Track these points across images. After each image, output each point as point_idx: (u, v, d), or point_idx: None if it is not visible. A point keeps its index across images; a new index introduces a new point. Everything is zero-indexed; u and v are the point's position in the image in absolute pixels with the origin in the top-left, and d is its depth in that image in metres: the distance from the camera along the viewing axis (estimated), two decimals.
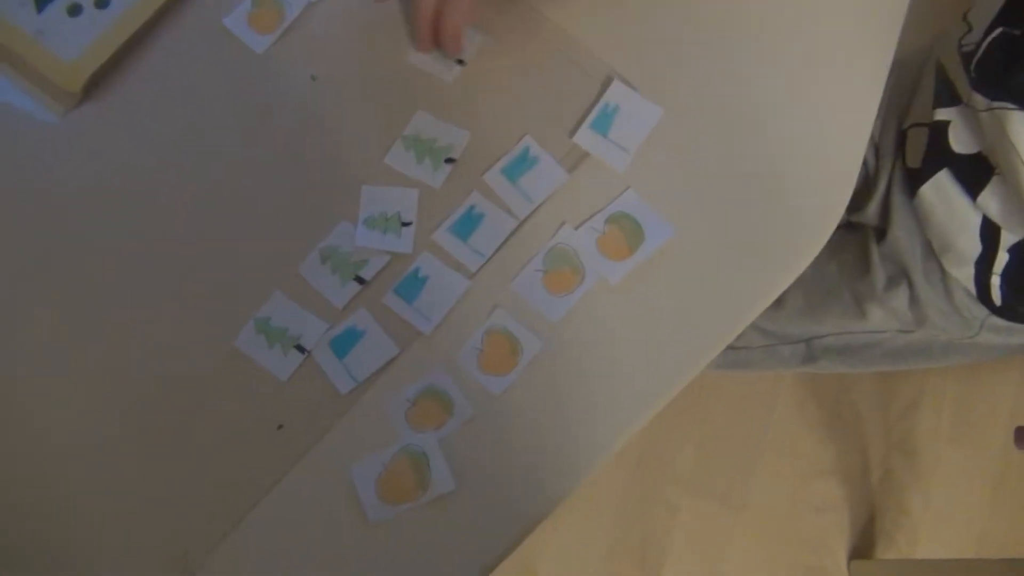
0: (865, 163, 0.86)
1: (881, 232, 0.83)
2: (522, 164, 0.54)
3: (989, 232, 0.73)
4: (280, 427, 0.51)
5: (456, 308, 0.52)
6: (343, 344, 0.51)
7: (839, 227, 0.92)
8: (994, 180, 0.70)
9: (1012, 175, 0.67)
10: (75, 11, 0.57)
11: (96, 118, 0.56)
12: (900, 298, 0.81)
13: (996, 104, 0.66)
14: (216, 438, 0.51)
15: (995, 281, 0.74)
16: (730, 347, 1.04)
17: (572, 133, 0.54)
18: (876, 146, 0.85)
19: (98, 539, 0.50)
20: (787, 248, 0.53)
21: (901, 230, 0.80)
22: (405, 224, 0.53)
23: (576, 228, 0.53)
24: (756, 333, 0.99)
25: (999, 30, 0.67)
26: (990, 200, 0.71)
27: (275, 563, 0.49)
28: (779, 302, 0.92)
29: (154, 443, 0.51)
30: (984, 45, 0.68)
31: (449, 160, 0.54)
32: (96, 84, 0.56)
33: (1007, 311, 0.76)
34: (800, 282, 0.90)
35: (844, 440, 1.41)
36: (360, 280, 0.52)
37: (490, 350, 0.51)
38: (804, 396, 1.42)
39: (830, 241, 0.91)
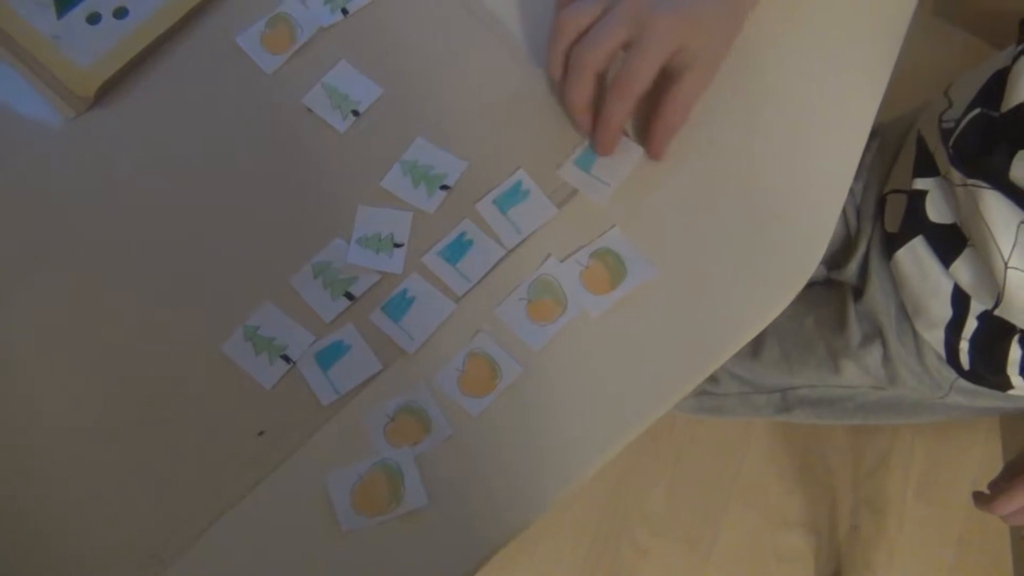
0: (847, 224, 0.88)
1: (859, 291, 0.86)
2: (514, 196, 0.56)
3: (960, 299, 0.75)
4: (261, 433, 0.52)
5: (440, 330, 0.54)
6: (328, 357, 0.53)
7: (819, 283, 0.96)
8: (967, 251, 0.72)
9: (983, 249, 0.69)
10: (94, 19, 0.59)
11: (105, 124, 0.58)
12: (874, 356, 0.83)
13: (971, 181, 0.68)
14: (197, 440, 0.52)
15: (963, 346, 0.76)
16: (707, 393, 1.06)
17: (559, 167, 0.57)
18: (858, 208, 0.88)
19: (69, 534, 0.50)
20: (759, 299, 0.55)
21: (878, 290, 0.82)
22: (397, 245, 0.55)
23: (562, 261, 0.55)
24: (733, 381, 1.01)
25: (977, 110, 0.70)
26: (962, 270, 0.73)
27: (247, 565, 0.50)
28: (756, 352, 0.95)
29: (134, 440, 0.52)
30: (963, 124, 0.70)
31: (444, 187, 0.56)
32: (108, 91, 0.58)
33: (973, 375, 0.78)
34: (778, 333, 0.93)
35: (813, 492, 1.42)
36: (349, 296, 0.54)
37: (471, 372, 0.53)
38: (775, 446, 1.43)
39: (810, 296, 0.94)
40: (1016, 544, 0.99)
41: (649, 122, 0.56)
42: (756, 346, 0.95)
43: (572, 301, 0.54)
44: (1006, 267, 0.67)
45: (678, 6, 0.53)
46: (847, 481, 1.42)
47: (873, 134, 0.90)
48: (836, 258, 0.91)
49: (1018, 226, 0.65)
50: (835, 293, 0.89)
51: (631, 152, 0.56)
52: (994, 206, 0.66)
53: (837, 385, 0.92)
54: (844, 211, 0.89)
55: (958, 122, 0.71)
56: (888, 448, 1.43)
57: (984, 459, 1.09)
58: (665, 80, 0.54)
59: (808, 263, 0.56)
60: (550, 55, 0.56)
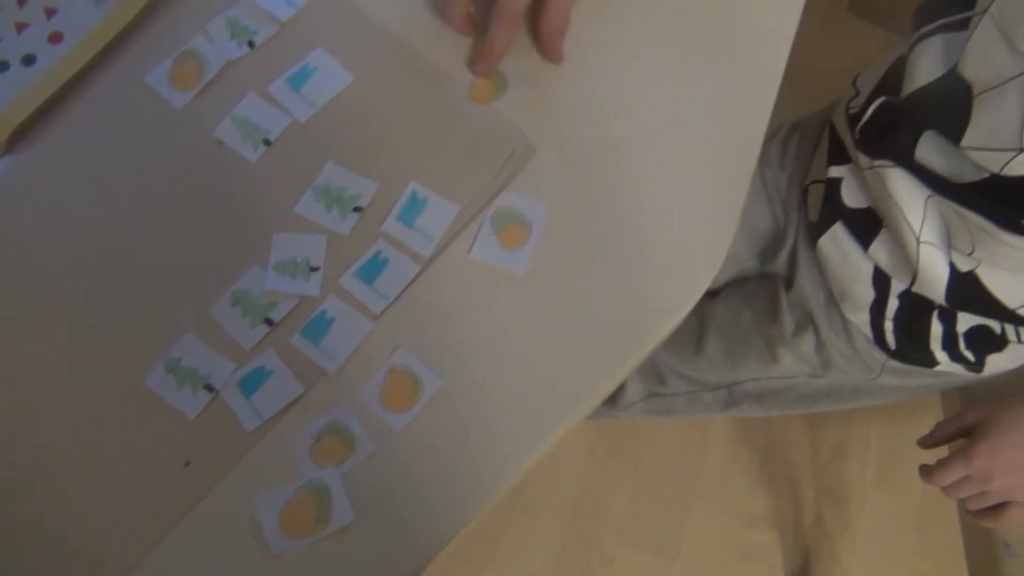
0: (775, 217, 0.91)
1: (790, 281, 0.88)
2: (414, 208, 0.57)
3: (880, 280, 0.77)
4: (187, 464, 0.52)
5: (360, 348, 0.55)
6: (251, 383, 0.54)
7: (754, 277, 0.98)
8: (882, 232, 0.75)
9: (896, 228, 0.71)
10: (2, 67, 0.60)
11: (19, 168, 0.59)
12: (807, 343, 0.86)
13: (877, 163, 0.71)
14: (123, 475, 0.52)
15: (888, 326, 0.79)
16: (656, 394, 1.08)
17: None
18: (783, 202, 0.90)
19: None
20: (656, 306, 0.57)
21: (806, 278, 0.85)
22: (313, 269, 0.56)
23: (468, 252, 0.57)
24: (680, 380, 1.03)
25: (882, 98, 0.73)
26: (880, 251, 0.75)
27: None
28: (699, 350, 0.97)
29: (61, 478, 0.52)
30: (869, 111, 0.73)
31: (357, 209, 0.57)
32: (20, 137, 0.59)
33: (900, 354, 0.80)
34: (718, 329, 0.95)
35: (775, 487, 1.44)
36: (269, 322, 0.55)
37: (392, 388, 0.54)
38: (734, 444, 1.45)
39: (745, 289, 0.96)
40: (964, 521, 1.01)
41: (538, 37, 0.60)
42: (698, 344, 0.97)
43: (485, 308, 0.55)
44: (918, 242, 0.69)
45: None
46: (807, 473, 1.45)
47: (793, 128, 0.93)
48: (767, 251, 0.93)
49: (925, 200, 0.68)
50: (768, 285, 0.91)
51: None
52: (901, 184, 0.69)
53: (777, 376, 0.94)
54: (771, 205, 0.91)
55: (863, 108, 0.74)
56: (843, 437, 1.45)
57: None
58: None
59: (695, 290, 0.57)
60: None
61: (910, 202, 0.69)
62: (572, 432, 0.56)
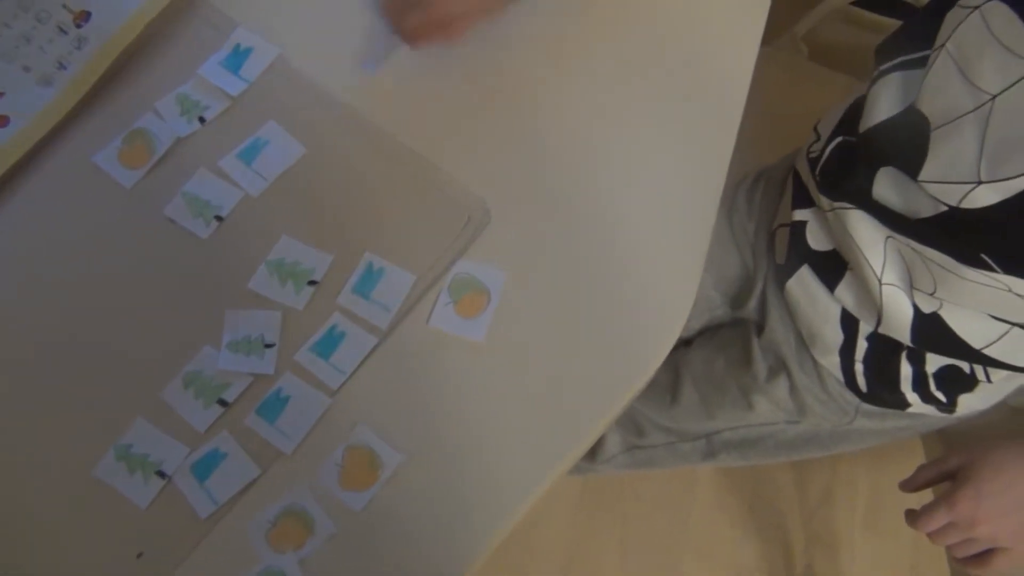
0: (744, 263, 0.91)
1: (760, 326, 0.87)
2: (370, 279, 0.56)
3: (848, 322, 0.77)
4: (140, 555, 0.50)
5: (317, 426, 0.53)
6: (204, 467, 0.52)
7: (726, 324, 0.97)
8: (848, 275, 0.75)
9: (858, 269, 0.71)
10: None
11: None
12: (781, 388, 0.85)
13: (837, 204, 0.71)
14: (73, 567, 0.50)
15: (859, 368, 0.78)
16: (636, 447, 1.07)
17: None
18: (752, 247, 0.90)
19: None
20: (626, 361, 0.56)
21: (776, 322, 0.84)
22: (268, 346, 0.55)
23: (427, 321, 0.56)
24: (658, 432, 1.02)
25: (839, 138, 0.73)
26: (845, 293, 0.75)
27: None
28: (675, 399, 0.95)
29: (10, 572, 0.50)
30: (827, 152, 0.74)
31: (312, 282, 0.56)
32: None
33: (872, 396, 0.79)
34: (693, 378, 0.94)
35: (763, 536, 1.42)
36: (223, 403, 0.53)
37: (350, 466, 0.52)
38: (720, 494, 1.43)
39: (718, 338, 0.96)
40: (954, 566, 0.99)
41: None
42: (674, 394, 0.96)
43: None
44: (880, 283, 0.69)
45: None
46: (795, 520, 1.43)
47: (758, 177, 0.93)
48: (738, 297, 0.93)
49: (885, 241, 0.68)
50: (740, 332, 0.91)
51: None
52: (860, 225, 0.69)
53: (755, 424, 0.93)
54: (740, 251, 0.91)
55: (822, 151, 0.74)
56: (830, 481, 1.43)
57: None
58: None
59: (661, 349, 0.57)
60: None
61: (870, 243, 0.69)
62: (556, 488, 0.54)
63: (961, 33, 0.57)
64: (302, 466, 0.52)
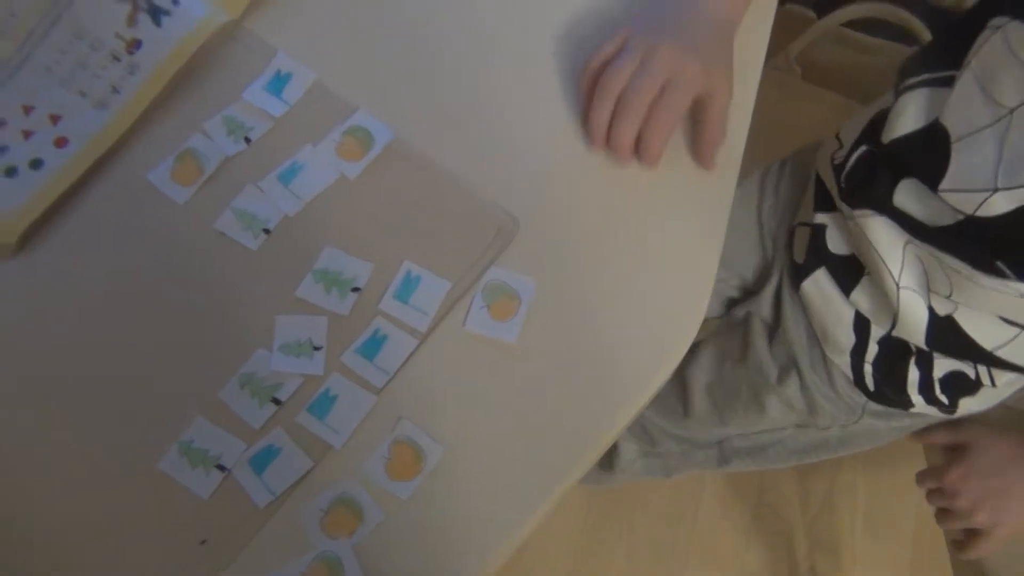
0: (764, 251, 0.95)
1: (770, 322, 0.91)
2: (408, 286, 0.60)
3: (861, 326, 0.81)
4: (203, 542, 0.54)
5: (364, 422, 0.57)
6: (261, 461, 0.56)
7: (722, 328, 1.00)
8: (864, 279, 0.79)
9: (876, 274, 0.75)
10: (11, 172, 0.63)
11: (30, 267, 0.61)
12: (792, 386, 0.88)
13: (858, 212, 0.75)
14: (140, 556, 0.54)
15: (868, 369, 0.82)
16: (651, 454, 1.10)
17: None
18: (773, 238, 0.94)
19: None
20: (642, 362, 0.60)
21: (790, 320, 0.88)
22: (316, 348, 0.59)
23: (463, 324, 0.60)
24: (671, 440, 1.05)
25: (864, 147, 0.77)
26: (861, 297, 0.79)
27: None
28: (687, 410, 0.99)
29: (77, 560, 0.54)
30: (852, 159, 0.78)
31: (355, 289, 0.60)
32: (30, 237, 0.62)
33: (879, 396, 0.83)
34: (703, 387, 0.97)
35: (767, 541, 1.45)
36: (276, 401, 0.57)
37: (396, 458, 0.56)
38: (724, 501, 1.47)
39: (719, 344, 0.98)
40: (955, 562, 1.03)
41: (695, 141, 0.66)
42: (685, 405, 0.99)
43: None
44: (898, 288, 0.73)
45: (676, 42, 0.63)
46: (798, 525, 1.46)
47: (783, 164, 0.97)
48: (751, 284, 0.96)
49: (904, 246, 0.72)
50: (742, 333, 0.94)
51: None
52: (880, 230, 0.72)
53: (766, 430, 0.96)
54: (762, 239, 0.95)
55: (847, 159, 0.78)
56: (831, 487, 1.47)
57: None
58: (695, 105, 0.64)
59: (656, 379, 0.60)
60: (582, 84, 0.66)
61: (889, 249, 0.73)
62: (564, 496, 0.58)
63: (984, 52, 0.61)
64: (351, 459, 0.56)
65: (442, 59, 0.69)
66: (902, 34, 1.16)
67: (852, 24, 1.20)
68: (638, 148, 0.64)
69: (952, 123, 0.64)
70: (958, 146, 0.63)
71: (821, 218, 0.83)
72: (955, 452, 0.84)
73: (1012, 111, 0.59)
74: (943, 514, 0.86)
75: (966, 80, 0.63)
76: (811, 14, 1.22)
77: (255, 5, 0.69)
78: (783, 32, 1.24)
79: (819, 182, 0.85)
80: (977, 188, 0.62)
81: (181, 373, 0.59)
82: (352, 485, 0.56)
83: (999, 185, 0.60)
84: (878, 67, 1.20)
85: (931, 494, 0.86)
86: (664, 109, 0.62)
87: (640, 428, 1.06)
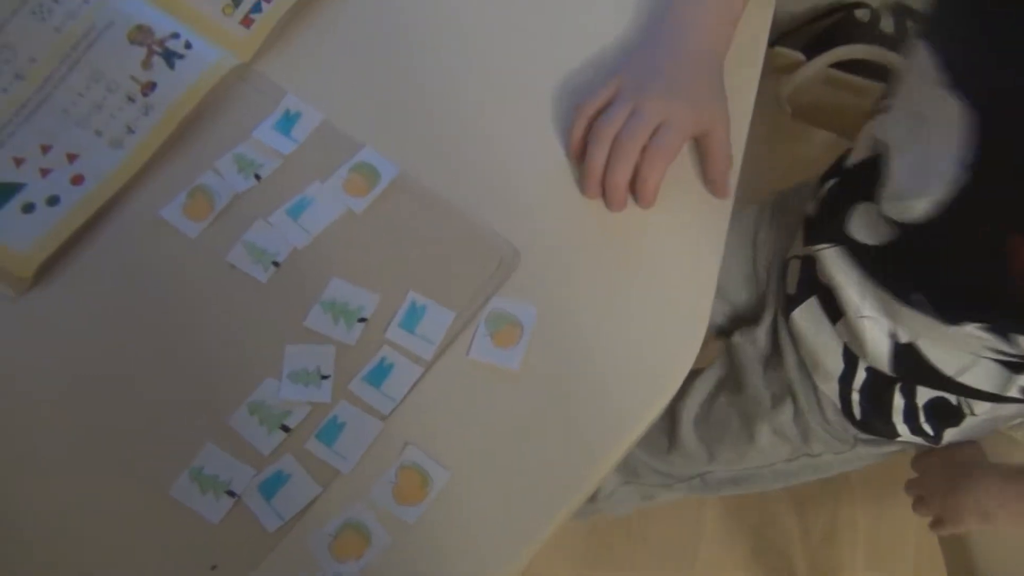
0: (758, 282, 0.96)
1: (769, 355, 0.92)
2: (414, 315, 0.62)
3: (849, 353, 0.82)
4: (214, 567, 0.55)
5: (371, 448, 0.59)
6: (270, 487, 0.57)
7: (717, 361, 1.01)
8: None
9: (842, 304, 0.77)
10: (28, 208, 0.65)
11: (45, 300, 0.63)
12: (786, 412, 0.89)
13: (816, 246, 0.77)
14: None
15: (855, 397, 0.83)
16: (632, 483, 1.09)
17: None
18: (767, 271, 0.96)
19: None
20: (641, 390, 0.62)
21: (786, 349, 0.89)
22: (324, 377, 0.60)
23: (467, 352, 0.62)
24: (653, 474, 1.05)
25: (833, 180, 0.80)
26: (843, 328, 0.81)
27: None
28: (673, 444, 0.99)
29: None
30: (823, 192, 0.80)
31: (362, 319, 0.62)
32: (46, 271, 0.64)
33: (865, 425, 0.84)
34: (691, 421, 0.98)
35: (769, 575, 1.45)
36: (285, 428, 0.59)
37: (403, 484, 0.58)
38: (725, 535, 1.47)
39: (708, 378, 0.99)
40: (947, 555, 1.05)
41: (705, 174, 0.69)
42: (672, 438, 0.99)
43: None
44: (859, 317, 0.75)
45: (666, 88, 0.67)
46: (800, 561, 1.46)
47: (779, 197, 0.99)
48: (750, 316, 0.97)
49: (859, 278, 0.74)
50: (733, 361, 0.95)
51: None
52: (838, 262, 0.75)
53: (751, 467, 0.97)
54: (756, 271, 0.97)
55: (818, 191, 0.81)
56: (831, 521, 1.48)
57: (920, 521, 1.15)
58: (698, 143, 0.69)
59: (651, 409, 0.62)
60: (574, 130, 0.67)
61: (846, 279, 0.75)
62: (561, 533, 0.60)
63: (908, 70, 0.65)
64: (359, 484, 0.58)
65: (445, 98, 0.72)
66: (889, 75, 1.19)
67: (840, 65, 1.23)
68: (633, 189, 0.66)
69: (890, 137, 0.67)
70: (894, 155, 0.66)
71: (808, 250, 0.85)
72: (943, 466, 0.89)
73: (927, 119, 0.61)
74: (920, 504, 0.92)
75: (900, 96, 0.67)
76: (800, 56, 1.25)
77: (265, 49, 0.72)
78: (773, 73, 1.27)
79: (808, 218, 0.87)
80: (906, 196, 0.64)
81: (192, 401, 0.60)
82: (360, 510, 0.57)
83: (922, 189, 0.62)
84: (865, 107, 1.23)
85: (909, 484, 0.93)
86: (657, 149, 0.64)
87: (622, 461, 1.06)
